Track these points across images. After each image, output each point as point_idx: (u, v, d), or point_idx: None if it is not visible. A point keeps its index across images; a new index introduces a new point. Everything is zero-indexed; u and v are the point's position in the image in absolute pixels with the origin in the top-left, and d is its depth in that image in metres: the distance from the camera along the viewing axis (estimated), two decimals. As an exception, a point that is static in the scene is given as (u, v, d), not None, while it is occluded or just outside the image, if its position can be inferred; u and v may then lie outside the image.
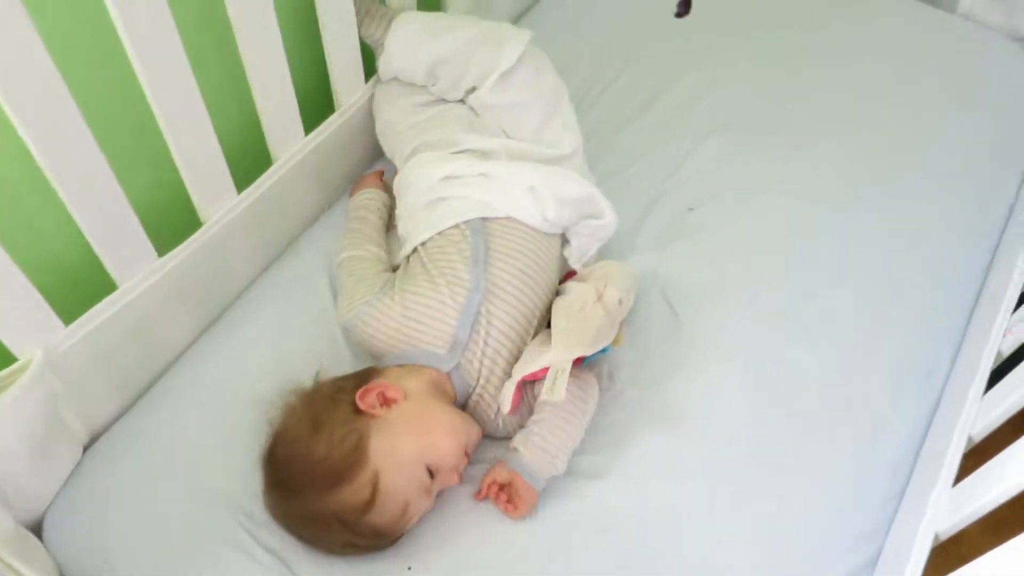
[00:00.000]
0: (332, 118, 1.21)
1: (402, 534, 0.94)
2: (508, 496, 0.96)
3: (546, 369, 0.95)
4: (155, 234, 0.98)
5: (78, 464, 1.02)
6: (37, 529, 0.99)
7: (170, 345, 1.10)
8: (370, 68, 1.24)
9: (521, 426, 1.02)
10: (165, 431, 1.04)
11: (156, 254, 1.00)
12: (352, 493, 0.88)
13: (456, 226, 1.07)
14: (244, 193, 1.10)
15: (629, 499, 1.00)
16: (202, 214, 1.05)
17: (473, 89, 1.17)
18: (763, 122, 1.41)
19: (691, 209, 1.28)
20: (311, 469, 0.89)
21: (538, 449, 0.97)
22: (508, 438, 1.02)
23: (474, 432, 0.98)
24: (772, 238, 1.26)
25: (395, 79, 1.21)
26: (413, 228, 1.10)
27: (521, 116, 1.16)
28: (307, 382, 1.01)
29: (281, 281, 1.19)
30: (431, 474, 0.92)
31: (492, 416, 1.02)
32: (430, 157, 1.12)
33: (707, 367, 1.11)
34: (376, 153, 1.31)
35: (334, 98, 1.21)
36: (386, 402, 0.94)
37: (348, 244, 1.15)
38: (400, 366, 1.00)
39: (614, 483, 1.01)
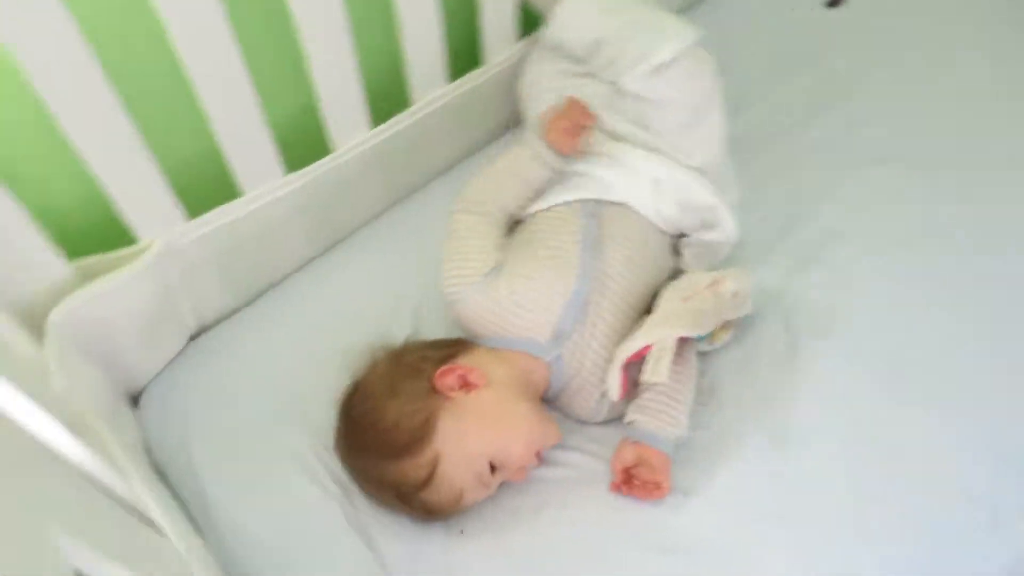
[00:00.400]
0: (476, 72, 1.22)
1: (454, 514, 0.93)
2: (641, 479, 0.92)
3: (647, 348, 0.93)
4: (286, 152, 1.03)
5: (181, 351, 1.10)
6: (134, 401, 1.07)
7: (281, 263, 1.15)
8: (523, 29, 1.24)
9: (622, 414, 0.99)
10: (262, 345, 1.10)
11: (283, 171, 1.05)
12: (411, 468, 0.87)
13: (568, 204, 1.05)
14: (377, 129, 1.13)
15: (704, 525, 0.93)
16: (333, 142, 1.09)
17: (624, 72, 1.14)
18: (935, 157, 1.27)
19: (834, 237, 1.18)
20: (377, 434, 0.89)
21: (656, 412, 0.95)
22: (612, 421, 1.01)
23: (551, 435, 0.95)
24: (921, 288, 1.11)
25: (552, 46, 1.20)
26: None
27: (663, 114, 1.09)
28: (398, 339, 1.03)
29: (400, 226, 1.22)
30: (493, 468, 0.90)
31: (593, 403, 0.99)
32: None
33: (815, 406, 1.01)
34: (515, 119, 1.31)
35: (482, 53, 1.22)
36: (466, 386, 0.92)
37: (482, 193, 1.06)
38: (494, 348, 0.97)
39: (693, 503, 0.94)
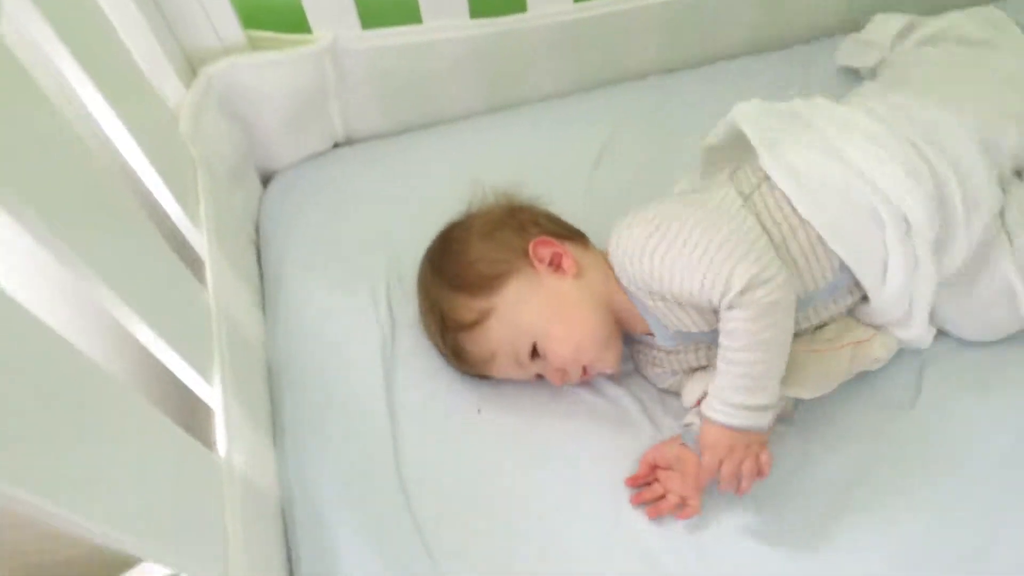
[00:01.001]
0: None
1: (481, 375, 0.91)
2: (666, 486, 0.84)
3: None
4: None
5: (322, 153, 1.13)
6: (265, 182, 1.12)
7: (442, 105, 1.14)
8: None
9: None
10: (392, 176, 1.11)
11: (469, 13, 1.01)
12: (463, 306, 0.87)
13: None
14: (580, 5, 1.05)
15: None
16: (529, 1, 1.04)
17: None
18: None
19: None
20: (454, 262, 0.89)
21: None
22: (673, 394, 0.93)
23: (607, 359, 0.87)
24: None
25: None
26: None
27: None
28: (525, 195, 0.98)
29: (578, 114, 1.16)
30: (535, 352, 0.86)
31: (661, 373, 0.91)
32: None
33: (918, 469, 0.86)
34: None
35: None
36: (556, 266, 0.88)
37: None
38: (607, 263, 0.89)
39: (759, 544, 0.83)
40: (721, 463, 0.79)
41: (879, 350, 0.87)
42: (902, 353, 0.94)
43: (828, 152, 0.86)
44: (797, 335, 0.86)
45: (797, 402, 0.90)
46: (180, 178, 0.83)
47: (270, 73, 0.97)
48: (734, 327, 0.76)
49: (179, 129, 0.88)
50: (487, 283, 0.87)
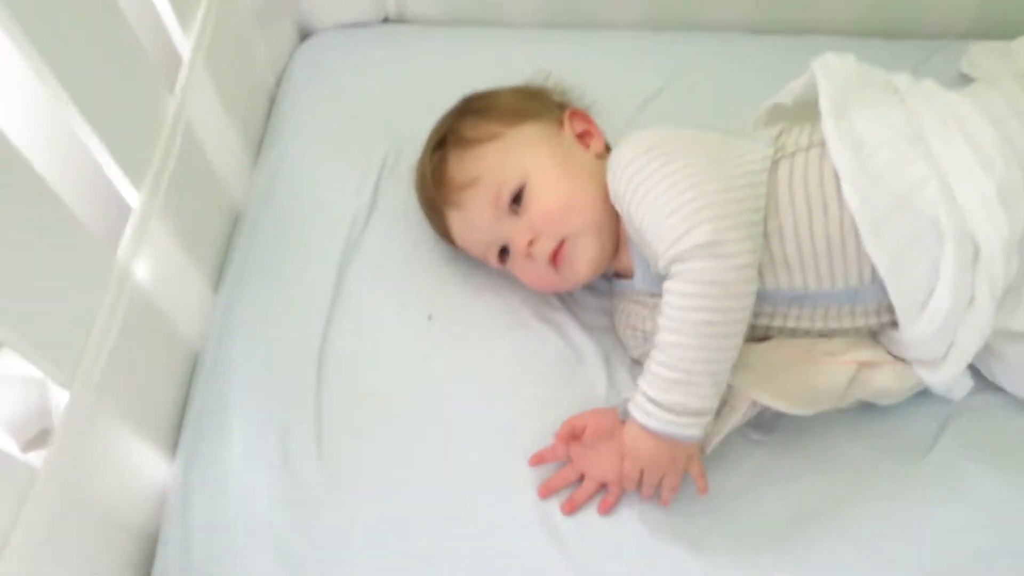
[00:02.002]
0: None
1: (446, 219, 0.81)
2: (581, 460, 0.73)
3: None
4: None
5: (365, 25, 1.08)
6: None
7: (506, 5, 1.06)
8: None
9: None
10: (441, 64, 1.03)
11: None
12: (470, 126, 0.80)
13: None
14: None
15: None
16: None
17: None
18: None
19: None
20: (481, 98, 0.84)
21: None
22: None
23: (588, 246, 0.75)
24: None
25: None
26: None
27: None
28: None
29: (639, 54, 1.04)
30: (517, 201, 0.76)
31: (631, 334, 0.79)
32: None
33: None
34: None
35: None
36: (582, 140, 0.82)
37: None
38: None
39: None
40: (643, 472, 0.68)
41: (888, 379, 0.72)
42: (930, 397, 0.78)
43: (911, 139, 0.70)
44: (794, 334, 0.74)
45: (782, 416, 0.77)
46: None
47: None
48: (666, 301, 0.66)
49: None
50: (508, 115, 0.80)
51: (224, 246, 0.89)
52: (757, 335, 0.75)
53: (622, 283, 0.80)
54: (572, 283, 0.79)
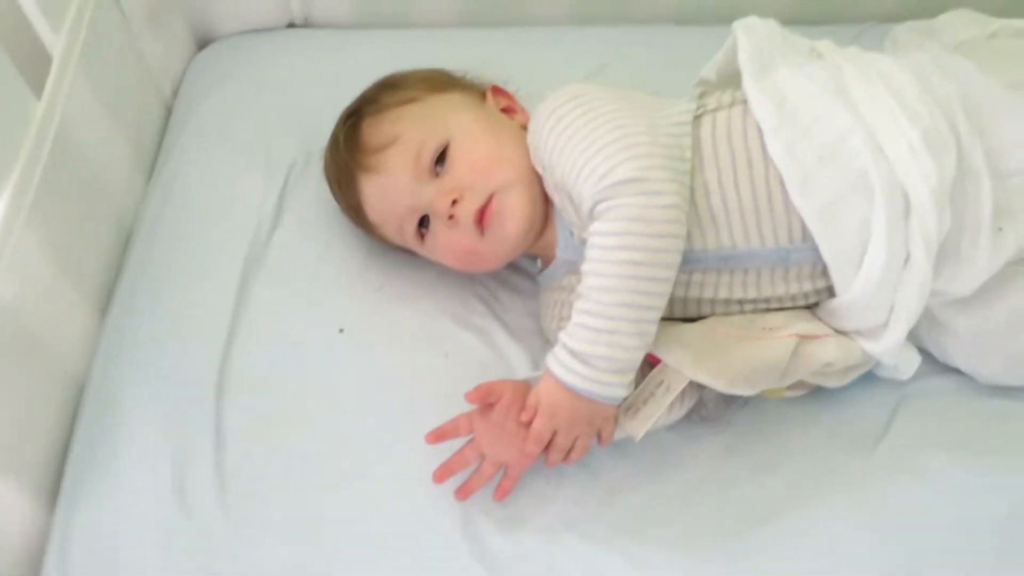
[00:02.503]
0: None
1: (358, 190, 0.74)
2: (482, 446, 0.66)
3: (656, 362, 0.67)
4: None
5: (269, 31, 1.02)
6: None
7: (419, 5, 1.02)
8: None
9: None
10: (351, 70, 0.93)
11: None
12: (390, 95, 0.76)
13: None
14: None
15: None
16: None
17: None
18: None
19: None
20: (397, 73, 0.80)
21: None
22: None
23: (517, 203, 0.70)
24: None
25: None
26: None
27: None
28: None
29: (563, 49, 1.00)
30: (440, 161, 0.72)
31: (547, 323, 0.75)
32: None
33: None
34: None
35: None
36: (507, 111, 0.79)
37: None
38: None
39: None
40: (556, 434, 0.62)
41: (831, 352, 0.68)
42: (878, 384, 0.75)
43: (834, 91, 0.68)
44: (728, 307, 0.70)
45: (729, 403, 0.73)
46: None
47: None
48: (591, 243, 0.62)
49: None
50: (427, 83, 0.77)
51: (115, 266, 0.81)
52: (690, 313, 0.70)
53: (547, 273, 0.75)
54: (499, 249, 0.72)
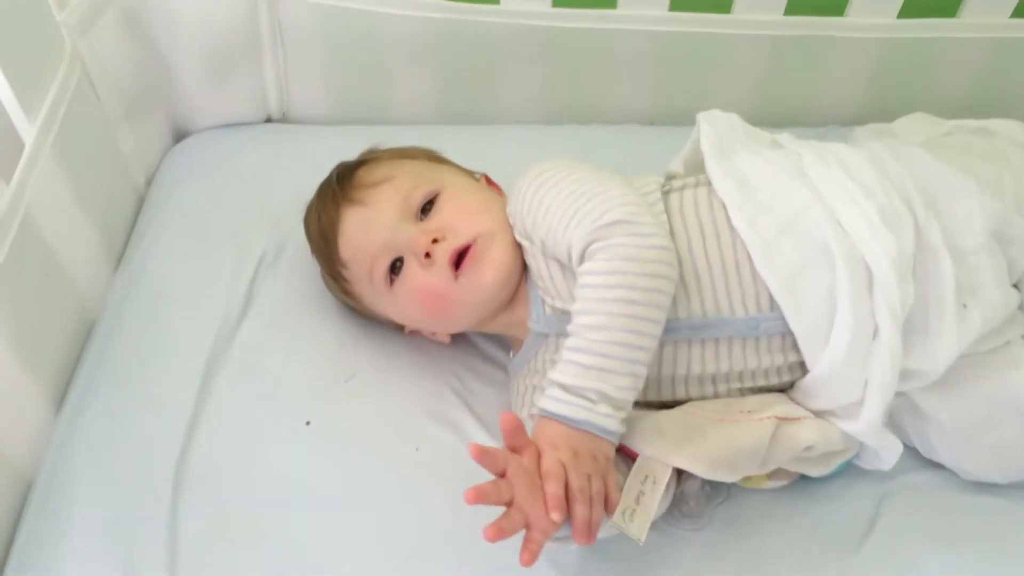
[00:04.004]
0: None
1: (339, 222, 0.74)
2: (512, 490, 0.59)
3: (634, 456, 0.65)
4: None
5: (247, 125, 1.02)
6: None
7: (394, 101, 1.03)
8: None
9: None
10: (329, 164, 0.95)
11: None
12: (392, 151, 0.81)
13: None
14: (558, 10, 0.94)
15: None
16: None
17: None
18: None
19: None
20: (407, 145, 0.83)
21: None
22: None
23: (498, 255, 0.71)
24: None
25: None
26: None
27: None
28: None
29: (535, 147, 0.99)
30: (425, 211, 0.73)
31: (519, 407, 0.74)
32: None
33: None
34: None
35: None
36: (489, 183, 0.83)
37: None
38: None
39: None
40: (566, 470, 0.58)
41: (811, 434, 0.66)
42: (861, 477, 0.73)
43: (793, 173, 0.71)
44: (703, 390, 0.70)
45: (710, 498, 0.70)
46: (27, 57, 0.71)
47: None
48: (582, 284, 0.64)
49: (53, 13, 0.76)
50: (429, 155, 0.82)
51: (75, 357, 0.78)
52: (665, 395, 0.70)
53: (519, 357, 0.74)
54: (471, 298, 0.71)
